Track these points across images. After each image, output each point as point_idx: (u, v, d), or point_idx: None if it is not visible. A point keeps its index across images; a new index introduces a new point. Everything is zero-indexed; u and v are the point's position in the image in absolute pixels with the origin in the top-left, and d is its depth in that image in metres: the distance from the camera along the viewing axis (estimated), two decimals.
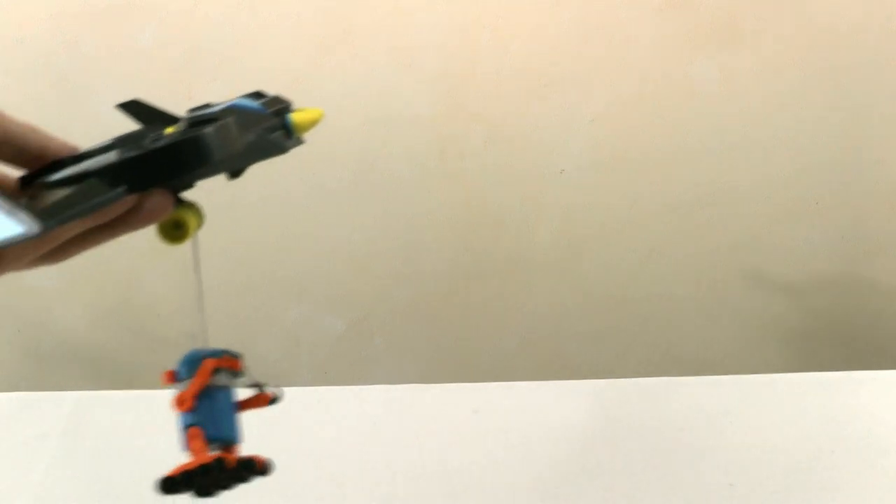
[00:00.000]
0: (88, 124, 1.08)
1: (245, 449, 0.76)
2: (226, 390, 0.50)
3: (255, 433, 0.78)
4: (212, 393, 0.49)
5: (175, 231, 0.45)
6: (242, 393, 0.50)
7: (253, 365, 1.27)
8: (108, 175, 0.39)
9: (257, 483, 0.69)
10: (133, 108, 0.45)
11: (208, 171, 0.41)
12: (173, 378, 0.48)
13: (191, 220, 0.45)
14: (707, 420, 0.77)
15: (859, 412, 0.79)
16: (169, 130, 0.42)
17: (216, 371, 0.49)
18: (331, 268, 1.13)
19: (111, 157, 0.40)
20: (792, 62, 1.08)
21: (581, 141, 1.09)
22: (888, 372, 0.86)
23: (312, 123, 0.43)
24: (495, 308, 1.13)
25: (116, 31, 1.06)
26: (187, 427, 0.47)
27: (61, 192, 0.39)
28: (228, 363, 0.50)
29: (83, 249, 0.43)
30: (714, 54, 1.07)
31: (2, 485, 0.69)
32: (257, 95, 0.43)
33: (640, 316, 1.16)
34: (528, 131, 1.06)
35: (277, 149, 0.41)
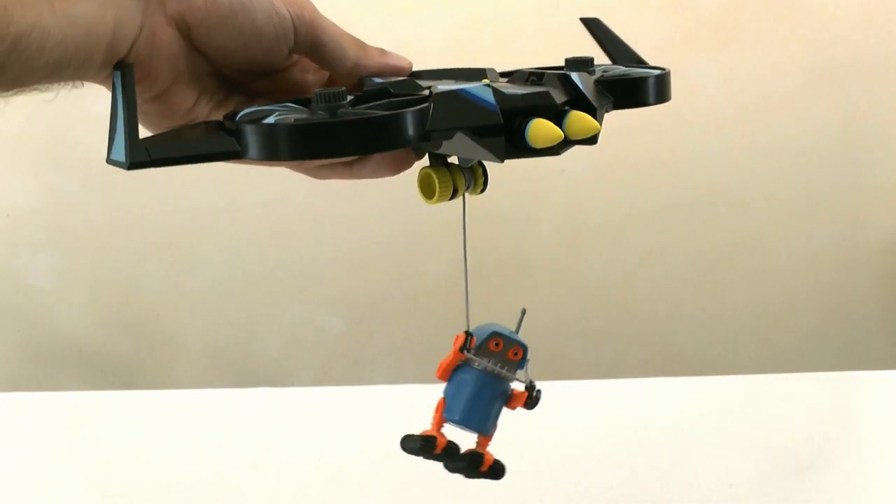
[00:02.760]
0: (89, 124, 1.08)
1: (244, 448, 0.76)
2: (482, 374, 0.46)
3: (255, 433, 0.78)
4: (466, 371, 0.47)
5: (426, 189, 0.43)
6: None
7: (253, 365, 1.27)
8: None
9: (257, 483, 0.69)
10: (593, 25, 0.46)
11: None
12: (463, 341, 0.47)
13: (440, 181, 0.42)
14: (707, 420, 0.77)
15: (859, 412, 0.79)
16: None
17: (484, 352, 0.46)
18: (331, 268, 1.13)
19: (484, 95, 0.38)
20: (792, 62, 1.08)
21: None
22: (888, 372, 0.86)
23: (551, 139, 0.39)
24: (495, 308, 1.13)
25: None
26: (444, 396, 0.47)
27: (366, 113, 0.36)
28: (503, 348, 0.47)
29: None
30: (714, 54, 1.06)
31: (2, 485, 0.69)
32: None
33: (640, 316, 1.16)
34: None
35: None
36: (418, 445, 0.46)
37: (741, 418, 0.78)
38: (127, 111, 0.34)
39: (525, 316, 0.48)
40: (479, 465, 0.47)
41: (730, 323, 1.17)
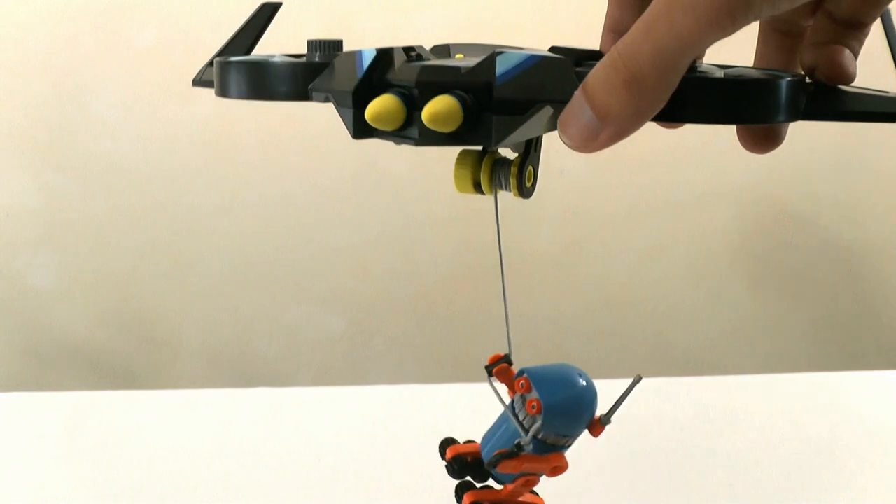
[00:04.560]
0: (89, 124, 1.08)
1: (244, 448, 0.76)
2: (506, 416, 0.41)
3: (254, 433, 0.78)
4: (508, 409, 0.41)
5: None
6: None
7: (252, 365, 1.27)
8: None
9: (257, 483, 0.69)
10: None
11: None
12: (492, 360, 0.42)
13: (456, 168, 0.38)
14: (707, 420, 0.77)
15: (859, 412, 0.79)
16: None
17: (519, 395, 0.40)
18: (331, 268, 1.13)
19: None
20: None
21: None
22: (888, 372, 0.86)
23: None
24: (495, 308, 1.13)
25: (116, 31, 1.06)
26: None
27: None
28: (526, 391, 0.40)
29: None
30: (714, 52, 1.06)
31: (2, 485, 0.69)
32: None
33: (640, 316, 1.16)
34: None
35: None
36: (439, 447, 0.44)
37: (741, 418, 0.78)
38: None
39: (638, 383, 0.41)
40: (466, 483, 0.43)
41: (729, 323, 1.17)
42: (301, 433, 0.76)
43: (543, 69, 0.33)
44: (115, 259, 1.14)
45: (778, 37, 0.41)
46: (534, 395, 0.40)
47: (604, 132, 0.32)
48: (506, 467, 0.40)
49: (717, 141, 1.07)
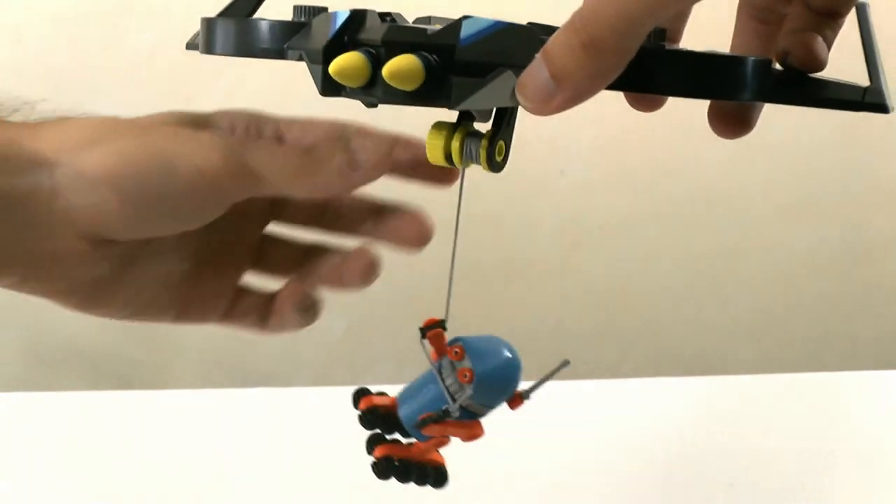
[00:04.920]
0: None
1: (243, 449, 0.76)
2: (432, 374, 0.41)
3: (254, 433, 0.78)
4: (434, 364, 0.41)
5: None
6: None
7: (252, 365, 1.27)
8: None
9: (256, 483, 0.69)
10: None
11: None
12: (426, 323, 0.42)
13: (429, 136, 0.38)
14: (707, 420, 0.77)
15: (859, 412, 0.79)
16: None
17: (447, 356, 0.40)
18: None
19: None
20: None
21: (581, 141, 1.09)
22: (888, 372, 0.86)
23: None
24: (495, 308, 1.13)
25: (116, 31, 1.06)
26: None
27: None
28: (460, 359, 0.40)
29: None
30: (690, 43, 1.06)
31: (2, 485, 0.69)
32: None
33: (640, 316, 1.16)
34: (527, 131, 1.05)
35: None
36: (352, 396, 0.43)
37: (741, 418, 0.78)
38: None
39: (564, 367, 0.41)
40: (377, 436, 0.42)
41: (730, 323, 1.17)
42: (301, 433, 0.76)
43: (508, 35, 0.34)
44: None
45: (755, 24, 0.42)
46: (466, 363, 0.40)
47: (559, 94, 0.32)
48: (431, 431, 0.41)
49: (716, 144, 1.07)
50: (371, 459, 0.44)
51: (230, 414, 0.79)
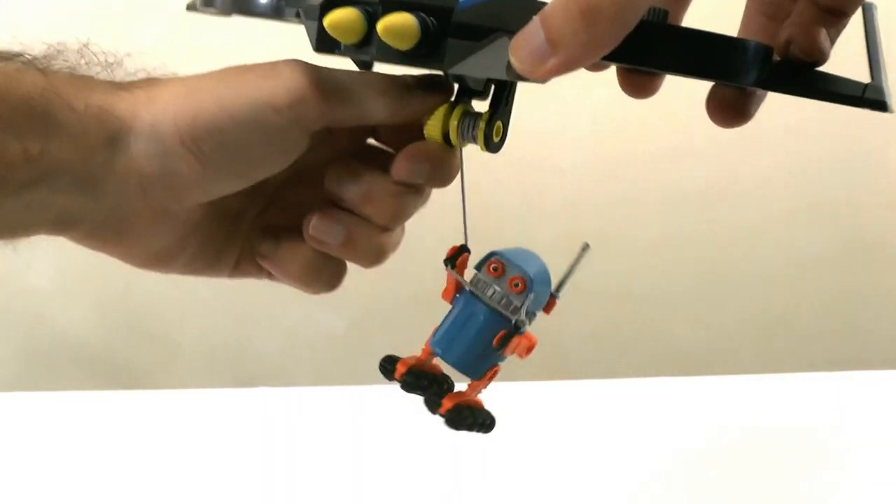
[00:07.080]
0: None
1: (243, 448, 0.76)
2: (471, 300, 0.39)
3: (254, 433, 0.78)
4: (460, 297, 0.40)
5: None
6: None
7: (252, 364, 1.27)
8: None
9: (256, 483, 0.69)
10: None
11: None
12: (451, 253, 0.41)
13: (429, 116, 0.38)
14: (707, 420, 0.77)
15: (859, 412, 0.79)
16: None
17: (483, 277, 0.39)
18: None
19: None
20: None
21: (582, 139, 1.09)
22: (888, 372, 0.86)
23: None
24: None
25: (116, 31, 1.06)
26: None
27: None
28: (503, 274, 0.39)
29: None
30: None
31: (2, 485, 0.69)
32: None
33: (640, 315, 1.16)
34: (528, 130, 1.05)
35: None
36: (380, 368, 0.41)
37: (742, 418, 0.78)
38: None
39: (587, 252, 0.40)
40: (436, 391, 0.40)
41: (730, 323, 1.17)
42: (301, 433, 0.76)
43: (509, 2, 0.33)
44: (115, 259, 1.13)
45: (763, 20, 0.42)
46: (514, 272, 0.39)
47: (553, 58, 0.31)
48: (510, 347, 0.39)
49: (720, 138, 1.07)
50: (438, 417, 0.40)
51: (230, 414, 0.79)
